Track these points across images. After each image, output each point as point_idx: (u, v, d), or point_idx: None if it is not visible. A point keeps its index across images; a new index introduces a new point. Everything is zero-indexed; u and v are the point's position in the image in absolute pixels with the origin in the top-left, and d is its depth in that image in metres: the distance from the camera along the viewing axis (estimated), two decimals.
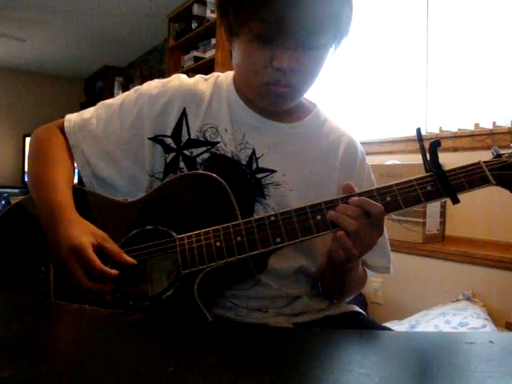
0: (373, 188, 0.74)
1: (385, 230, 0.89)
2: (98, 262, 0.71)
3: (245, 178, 0.83)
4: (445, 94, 2.16)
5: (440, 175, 0.73)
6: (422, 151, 0.75)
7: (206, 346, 0.52)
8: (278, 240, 0.72)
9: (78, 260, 0.70)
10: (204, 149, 0.84)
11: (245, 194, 0.82)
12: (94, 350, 0.49)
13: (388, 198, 0.73)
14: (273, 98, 0.79)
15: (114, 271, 0.71)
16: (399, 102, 2.38)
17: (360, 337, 0.61)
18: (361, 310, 0.95)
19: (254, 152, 0.84)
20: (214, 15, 3.26)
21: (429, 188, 0.73)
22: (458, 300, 1.82)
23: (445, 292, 1.91)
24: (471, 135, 2.01)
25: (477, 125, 2.02)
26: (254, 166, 0.84)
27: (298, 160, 0.86)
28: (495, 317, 1.70)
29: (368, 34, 2.47)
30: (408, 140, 2.30)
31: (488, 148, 2.03)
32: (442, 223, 2.06)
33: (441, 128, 2.17)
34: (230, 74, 0.90)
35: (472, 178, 0.73)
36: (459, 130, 2.08)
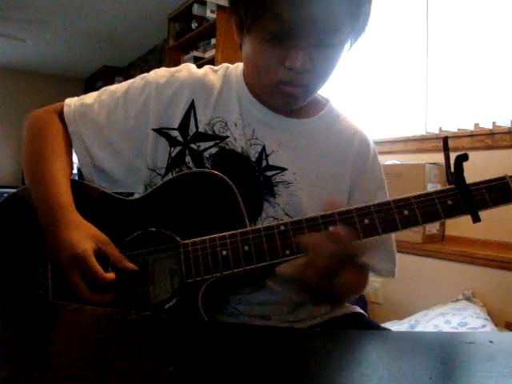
0: (390, 200, 0.68)
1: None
2: (101, 271, 0.68)
3: (254, 175, 0.80)
4: (445, 94, 2.16)
5: (463, 189, 0.66)
6: (447, 161, 0.69)
7: (206, 347, 0.52)
8: (287, 252, 0.68)
9: (79, 269, 0.68)
10: (212, 143, 0.80)
11: (253, 192, 0.79)
12: (93, 350, 0.49)
13: (406, 212, 0.67)
14: (284, 97, 0.76)
15: (112, 276, 0.69)
16: (399, 102, 2.38)
17: (360, 337, 0.61)
18: (362, 311, 0.93)
19: (264, 149, 0.80)
20: (214, 15, 3.26)
21: (449, 203, 0.67)
22: (457, 300, 1.82)
23: (445, 292, 1.91)
24: (471, 135, 2.01)
25: (477, 125, 2.02)
26: (264, 163, 0.80)
27: (310, 158, 0.82)
28: (495, 317, 1.70)
29: (368, 34, 2.46)
30: (408, 140, 2.30)
31: (488, 148, 2.03)
32: (442, 223, 2.06)
33: (441, 128, 2.17)
34: (240, 66, 0.86)
35: (497, 194, 0.66)
36: (459, 129, 2.08)
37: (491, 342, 0.54)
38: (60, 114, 0.86)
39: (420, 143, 2.24)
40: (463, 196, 0.66)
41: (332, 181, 0.82)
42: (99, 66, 5.76)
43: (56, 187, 0.76)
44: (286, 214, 0.79)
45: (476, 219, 0.67)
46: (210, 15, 3.29)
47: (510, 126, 1.89)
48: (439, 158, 2.11)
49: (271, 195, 0.79)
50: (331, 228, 0.66)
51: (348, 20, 0.70)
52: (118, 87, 0.86)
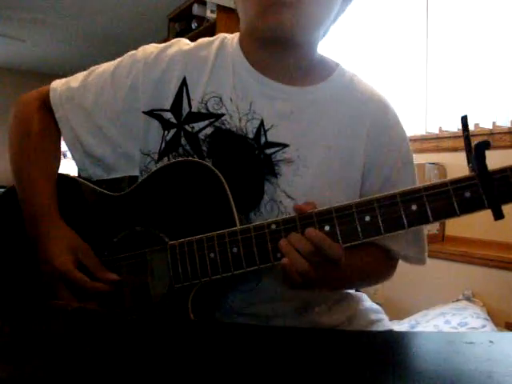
0: (396, 192, 0.58)
1: None
2: (86, 280, 0.67)
3: (253, 154, 0.72)
4: (445, 94, 2.16)
5: (485, 178, 0.55)
6: (467, 143, 0.59)
7: (206, 346, 0.52)
8: (279, 255, 0.62)
9: (61, 280, 0.68)
10: (207, 122, 0.73)
11: (253, 174, 0.72)
12: (93, 350, 0.49)
13: (414, 207, 0.57)
14: (275, 8, 0.65)
15: (99, 284, 0.68)
16: (399, 102, 2.38)
17: (360, 337, 0.61)
18: None
19: (262, 123, 0.72)
20: (214, 15, 3.27)
21: (467, 195, 0.56)
22: (457, 300, 1.82)
23: (445, 292, 1.91)
24: (471, 135, 2.01)
25: (477, 125, 2.03)
26: (263, 139, 0.72)
27: (316, 131, 0.73)
28: (495, 317, 1.70)
29: (367, 34, 2.47)
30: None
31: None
32: (442, 223, 2.06)
33: (440, 128, 2.17)
34: (238, 34, 0.79)
35: None
36: (459, 129, 2.08)
37: (491, 341, 0.54)
38: (45, 100, 0.81)
39: (420, 143, 2.24)
40: (484, 185, 0.55)
41: (343, 157, 0.73)
42: None
43: (37, 194, 0.73)
44: (289, 197, 0.71)
45: (498, 216, 0.56)
46: (209, 15, 3.29)
47: (509, 126, 1.89)
48: (439, 158, 2.11)
49: (273, 175, 0.71)
50: (307, 229, 0.60)
51: None
52: (106, 68, 0.81)
